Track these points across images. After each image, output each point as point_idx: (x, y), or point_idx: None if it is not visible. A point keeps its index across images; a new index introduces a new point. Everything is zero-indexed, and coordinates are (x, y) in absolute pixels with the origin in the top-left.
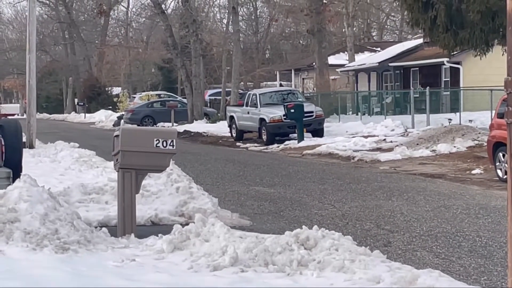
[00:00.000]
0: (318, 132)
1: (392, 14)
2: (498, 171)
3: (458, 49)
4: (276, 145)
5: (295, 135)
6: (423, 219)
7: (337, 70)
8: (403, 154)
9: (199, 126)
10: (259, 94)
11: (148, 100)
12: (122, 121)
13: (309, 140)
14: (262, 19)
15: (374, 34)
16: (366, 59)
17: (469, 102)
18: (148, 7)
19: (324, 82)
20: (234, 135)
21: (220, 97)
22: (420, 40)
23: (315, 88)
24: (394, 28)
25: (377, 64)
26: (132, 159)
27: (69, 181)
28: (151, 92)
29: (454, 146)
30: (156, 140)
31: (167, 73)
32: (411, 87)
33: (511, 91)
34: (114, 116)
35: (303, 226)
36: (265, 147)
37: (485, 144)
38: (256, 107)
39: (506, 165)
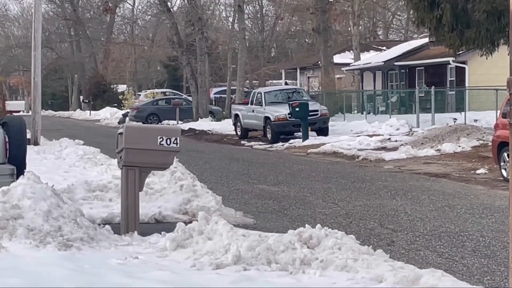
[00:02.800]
0: (323, 131)
1: (398, 13)
2: (503, 171)
3: (464, 49)
4: (280, 143)
5: (300, 133)
6: (427, 219)
7: (343, 69)
8: (408, 154)
9: (204, 124)
10: (264, 93)
11: (153, 97)
12: (127, 118)
13: (314, 138)
14: (268, 17)
15: (379, 33)
16: (371, 58)
17: (474, 102)
18: (154, 5)
19: (330, 80)
20: (239, 133)
21: (225, 95)
22: (426, 40)
23: (320, 87)
24: (399, 27)
25: (383, 63)
26: (136, 157)
27: (73, 178)
28: (156, 90)
29: (459, 146)
30: (160, 138)
31: (173, 71)
32: (417, 87)
33: None
34: (119, 113)
35: (306, 225)
36: (269, 145)
37: (490, 144)
38: (261, 105)
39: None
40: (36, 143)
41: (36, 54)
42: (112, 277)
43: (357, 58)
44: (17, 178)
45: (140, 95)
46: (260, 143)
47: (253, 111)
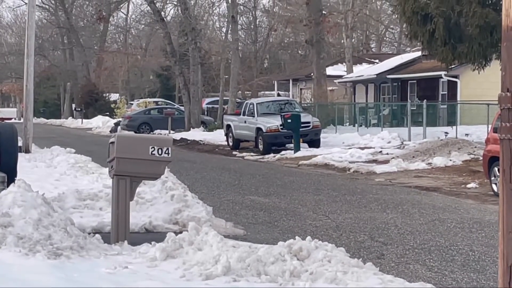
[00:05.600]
0: (314, 143)
1: (391, 26)
2: (493, 185)
3: (456, 63)
4: (272, 154)
5: (292, 145)
6: (417, 232)
7: (335, 81)
8: (399, 167)
9: (196, 134)
10: (257, 104)
11: (146, 107)
12: (119, 127)
13: (305, 150)
14: (261, 28)
15: (372, 46)
16: (364, 70)
17: (466, 116)
18: (148, 14)
19: (322, 92)
20: (230, 144)
21: (217, 106)
22: (419, 53)
23: (312, 99)
24: (392, 40)
25: (375, 76)
26: (127, 166)
27: (64, 187)
28: (149, 99)
29: (450, 160)
30: (151, 148)
31: (165, 80)
32: (409, 100)
33: (505, 107)
34: (111, 122)
35: (296, 237)
36: (261, 156)
37: (481, 158)
38: (253, 116)
39: None
40: (27, 151)
41: (29, 61)
42: (102, 286)
43: (349, 70)
44: (8, 185)
45: (132, 104)
46: (252, 154)
47: (245, 122)
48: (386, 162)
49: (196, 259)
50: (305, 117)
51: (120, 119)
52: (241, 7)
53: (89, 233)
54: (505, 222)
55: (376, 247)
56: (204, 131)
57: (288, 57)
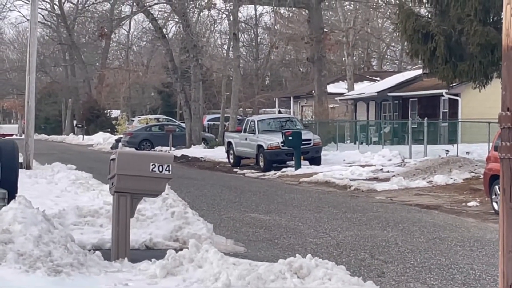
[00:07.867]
0: (315, 160)
1: (392, 44)
2: (494, 204)
3: (457, 81)
4: (273, 172)
5: (293, 162)
6: (417, 250)
7: (336, 98)
8: (400, 184)
9: (197, 151)
10: (258, 121)
11: (147, 123)
12: (120, 144)
13: (306, 168)
14: (263, 46)
15: (374, 63)
16: (365, 88)
17: (466, 134)
18: (149, 31)
19: (323, 110)
20: (231, 161)
21: (218, 123)
22: (420, 71)
23: (313, 116)
24: (394, 58)
25: (376, 93)
26: (127, 183)
27: (65, 203)
28: (150, 116)
29: (451, 178)
30: (152, 165)
31: (167, 97)
32: (410, 118)
33: (505, 126)
34: (112, 138)
35: (297, 255)
36: (262, 173)
37: (482, 176)
38: (254, 133)
39: None
40: (28, 167)
41: (31, 77)
42: None
43: (351, 88)
44: (9, 202)
45: (133, 120)
46: (253, 171)
47: (246, 139)
48: (386, 180)
49: (197, 277)
50: (306, 135)
51: (121, 136)
52: (243, 24)
53: (90, 250)
54: (505, 241)
55: (377, 265)
56: (205, 148)
57: (289, 74)
